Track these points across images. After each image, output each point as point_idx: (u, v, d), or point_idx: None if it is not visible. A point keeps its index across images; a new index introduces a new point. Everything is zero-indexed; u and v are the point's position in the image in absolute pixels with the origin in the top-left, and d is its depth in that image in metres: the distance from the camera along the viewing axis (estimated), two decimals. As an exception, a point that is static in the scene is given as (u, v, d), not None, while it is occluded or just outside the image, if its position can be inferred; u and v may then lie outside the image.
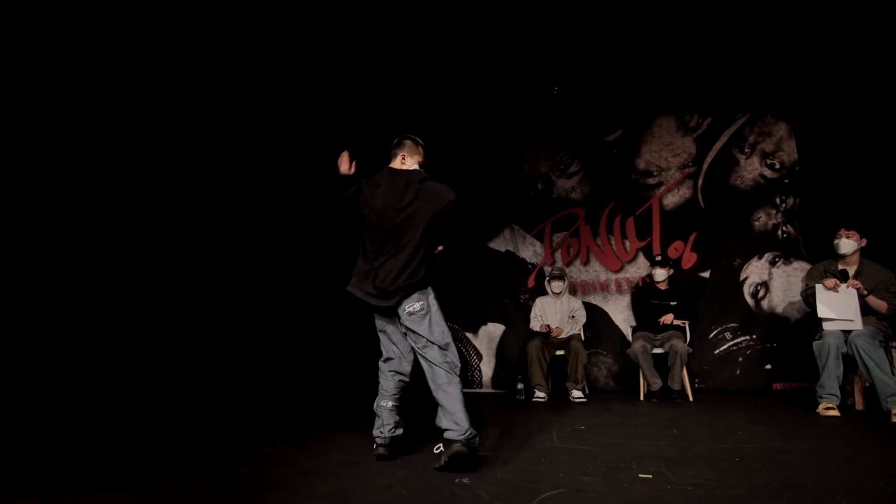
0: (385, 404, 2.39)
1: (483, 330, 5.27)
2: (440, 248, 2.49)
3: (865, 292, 3.22)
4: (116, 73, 3.55)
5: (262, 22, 3.73)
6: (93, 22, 3.24)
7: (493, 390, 5.07)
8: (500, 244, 5.39)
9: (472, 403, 4.22)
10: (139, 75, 3.66)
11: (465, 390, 5.32)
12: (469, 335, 5.30)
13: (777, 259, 4.43)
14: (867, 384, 3.15)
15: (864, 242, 3.35)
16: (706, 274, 4.61)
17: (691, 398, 3.96)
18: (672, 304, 4.25)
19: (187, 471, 2.21)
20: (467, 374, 5.19)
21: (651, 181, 4.92)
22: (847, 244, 3.33)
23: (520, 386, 4.45)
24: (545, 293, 4.72)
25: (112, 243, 3.56)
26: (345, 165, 2.46)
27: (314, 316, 4.93)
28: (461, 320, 5.31)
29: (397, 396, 2.43)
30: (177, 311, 3.89)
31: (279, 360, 4.63)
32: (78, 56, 3.32)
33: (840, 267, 3.37)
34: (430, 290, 2.34)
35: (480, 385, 5.17)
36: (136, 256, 3.69)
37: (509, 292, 5.26)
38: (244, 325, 4.37)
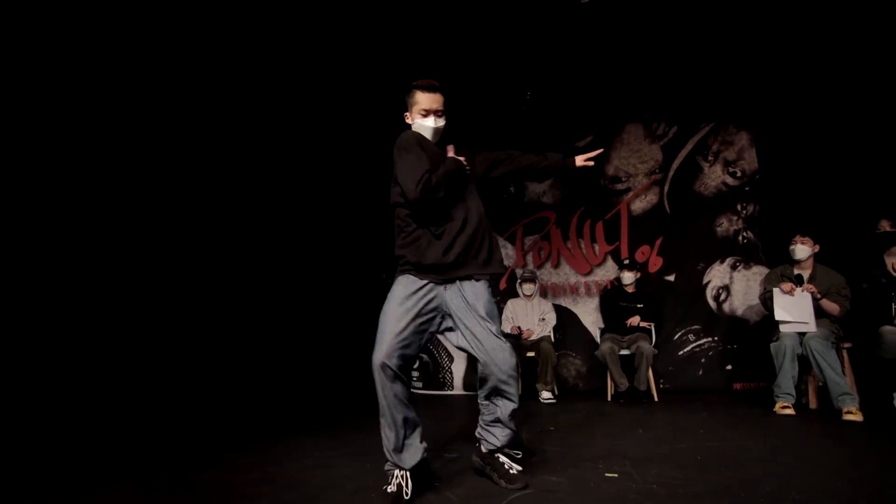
0: None
1: (455, 332, 5.27)
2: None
3: (819, 296, 3.38)
4: (116, 73, 3.51)
5: (244, 25, 3.69)
6: (93, 22, 3.18)
7: (464, 392, 5.07)
8: (472, 246, 5.41)
9: (444, 405, 4.24)
10: (139, 76, 3.63)
11: (436, 392, 5.34)
12: (440, 337, 5.28)
13: (738, 264, 4.60)
14: (820, 384, 3.29)
15: (817, 248, 3.51)
16: (671, 277, 4.74)
17: (657, 398, 4.06)
18: (639, 306, 4.35)
19: (148, 477, 2.13)
20: (438, 376, 5.18)
21: (620, 187, 5.04)
22: (802, 250, 3.48)
23: (490, 388, 4.47)
24: (517, 295, 4.77)
25: (96, 243, 3.44)
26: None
27: (284, 319, 4.84)
28: (433, 322, 5.29)
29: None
30: (149, 312, 3.77)
31: (246, 364, 4.52)
32: (78, 56, 3.26)
33: (795, 272, 3.52)
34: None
35: (452, 387, 5.17)
36: (115, 258, 3.57)
37: (481, 294, 5.28)
38: (214, 328, 4.25)
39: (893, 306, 3.28)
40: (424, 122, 2.00)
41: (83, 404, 3.32)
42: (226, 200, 4.42)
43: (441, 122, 2.03)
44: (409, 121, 2.07)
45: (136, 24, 3.32)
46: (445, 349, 5.25)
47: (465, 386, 5.09)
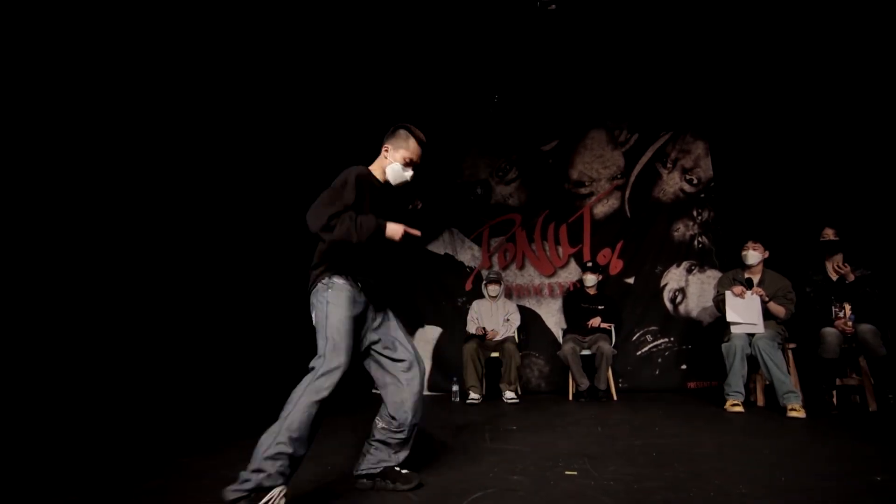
0: None
1: (420, 332, 5.26)
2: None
3: (767, 299, 3.55)
4: (116, 73, 3.43)
5: (234, 28, 3.65)
6: (93, 22, 3.12)
7: (429, 392, 5.06)
8: (438, 247, 5.41)
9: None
10: (139, 76, 3.56)
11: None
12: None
13: (693, 267, 4.78)
14: (767, 382, 3.46)
15: (767, 254, 3.69)
16: (631, 280, 4.88)
17: (615, 397, 4.16)
18: (600, 308, 4.46)
19: (91, 487, 2.01)
20: (403, 378, 5.15)
21: (583, 191, 5.15)
22: (753, 255, 3.65)
23: (455, 388, 4.48)
24: (482, 296, 4.80)
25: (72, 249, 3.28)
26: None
27: (233, 324, 4.70)
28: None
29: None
30: (103, 316, 3.59)
31: (205, 367, 4.35)
32: (78, 56, 3.18)
33: (746, 276, 3.69)
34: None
35: (416, 388, 5.15)
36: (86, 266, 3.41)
37: (447, 295, 5.29)
38: (166, 333, 4.07)
39: (833, 309, 3.47)
40: (404, 171, 2.01)
41: (32, 409, 3.11)
42: (212, 205, 4.32)
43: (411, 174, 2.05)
44: (385, 155, 2.03)
45: (136, 24, 3.30)
46: (410, 350, 5.23)
47: (430, 386, 5.08)
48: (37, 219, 3.18)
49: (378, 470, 1.91)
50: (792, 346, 3.62)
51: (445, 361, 5.09)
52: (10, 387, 3.05)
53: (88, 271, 3.56)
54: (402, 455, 1.93)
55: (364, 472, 1.92)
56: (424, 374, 2.02)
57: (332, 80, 4.53)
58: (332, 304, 1.81)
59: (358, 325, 1.88)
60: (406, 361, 1.95)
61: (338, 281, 1.85)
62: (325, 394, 1.70)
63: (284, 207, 5.03)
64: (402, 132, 2.03)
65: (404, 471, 1.92)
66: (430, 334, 5.24)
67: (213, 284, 4.53)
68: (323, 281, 1.86)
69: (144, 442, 2.87)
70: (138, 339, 3.84)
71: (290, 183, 5.06)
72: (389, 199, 2.03)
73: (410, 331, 5.26)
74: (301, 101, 4.73)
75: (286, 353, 4.87)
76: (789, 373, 3.39)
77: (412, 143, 2.02)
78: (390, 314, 2.06)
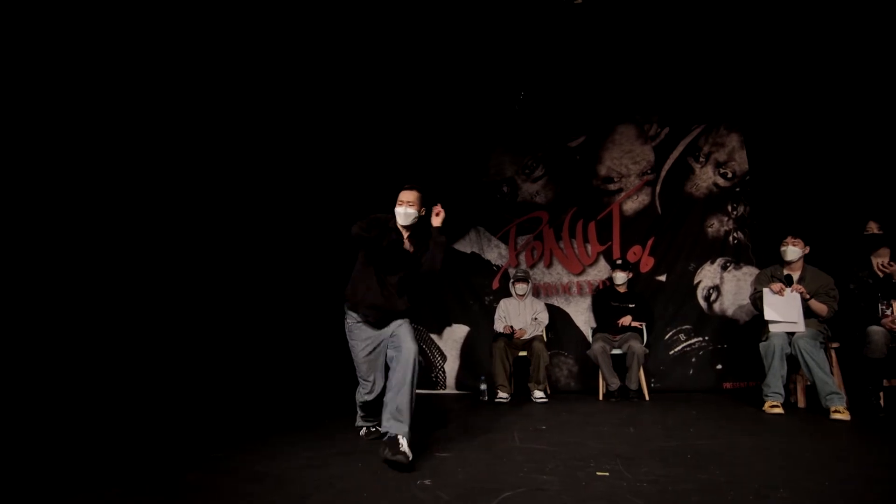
0: None
1: (447, 331, 5.27)
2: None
3: (808, 296, 3.41)
4: (116, 73, 3.48)
5: (243, 27, 3.69)
6: (93, 22, 3.16)
7: (457, 391, 5.07)
8: (465, 246, 5.41)
9: (436, 404, 4.23)
10: (139, 75, 3.60)
11: (428, 391, 5.33)
12: (433, 336, 5.29)
13: (728, 264, 4.64)
14: (808, 383, 3.33)
15: (807, 250, 3.55)
16: (662, 278, 4.77)
17: (647, 397, 4.08)
18: (630, 306, 4.37)
19: (133, 479, 2.10)
20: (431, 375, 5.18)
21: (612, 187, 5.06)
22: (793, 251, 3.51)
23: (483, 387, 4.47)
24: (509, 295, 4.77)
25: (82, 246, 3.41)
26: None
27: (269, 320, 4.81)
28: (426, 321, 5.29)
29: None
30: (140, 313, 3.73)
31: (235, 364, 4.49)
32: (78, 56, 3.23)
33: (785, 272, 3.56)
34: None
35: (444, 386, 5.17)
36: (103, 261, 3.54)
37: (474, 294, 5.28)
38: (201, 329, 4.21)
39: (880, 307, 3.31)
40: (396, 209, 2.65)
41: (68, 407, 3.27)
42: (218, 202, 4.39)
43: (408, 210, 2.62)
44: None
45: (136, 24, 3.32)
46: (438, 348, 5.25)
47: (458, 385, 5.09)
48: (61, 222, 3.28)
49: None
50: (835, 345, 3.47)
51: (473, 360, 5.09)
52: (51, 384, 3.22)
53: (125, 273, 3.71)
54: (387, 425, 2.30)
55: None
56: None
57: (355, 79, 4.55)
58: None
59: None
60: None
61: None
62: None
63: (311, 205, 5.13)
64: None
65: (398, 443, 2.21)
66: (457, 333, 5.25)
67: (244, 284, 4.66)
68: None
69: (179, 438, 2.97)
70: (172, 339, 3.99)
71: (313, 181, 5.16)
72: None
73: (437, 329, 5.29)
74: (323, 101, 4.74)
75: (314, 352, 4.97)
76: (832, 373, 3.25)
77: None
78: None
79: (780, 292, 3.44)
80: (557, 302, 5.03)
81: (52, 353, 3.23)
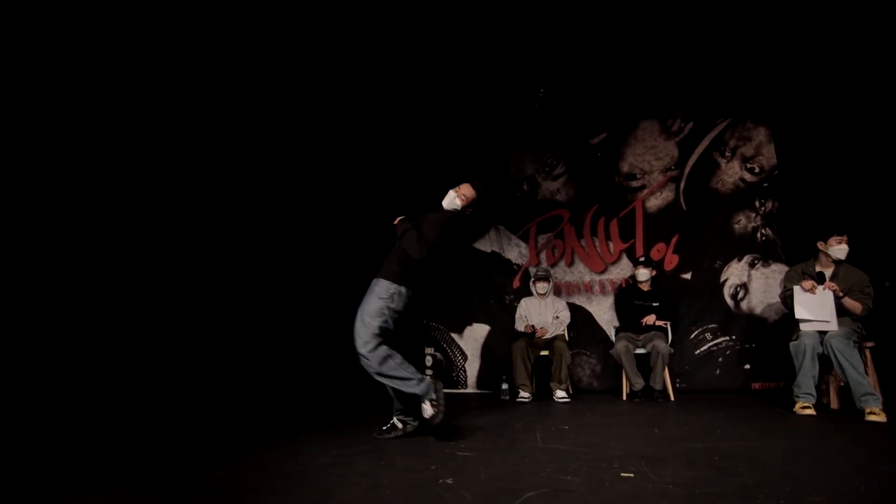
0: None
1: (468, 330, 5.28)
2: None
3: (841, 294, 3.30)
4: (116, 72, 3.51)
5: (257, 24, 3.72)
6: (93, 22, 3.21)
7: (478, 390, 5.08)
8: (485, 245, 5.41)
9: (457, 403, 4.24)
10: (139, 75, 3.64)
11: (449, 390, 5.35)
12: (454, 335, 5.30)
13: (756, 261, 4.52)
14: (842, 384, 3.22)
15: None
16: (687, 276, 4.68)
17: (672, 398, 4.01)
18: (654, 305, 4.30)
19: (163, 474, 2.17)
20: (452, 375, 5.19)
21: (634, 184, 4.99)
22: (843, 250, 3.37)
23: (504, 386, 4.47)
24: (530, 294, 4.75)
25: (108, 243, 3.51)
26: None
27: (297, 318, 4.88)
28: (446, 321, 5.31)
29: None
30: (162, 312, 3.83)
31: (262, 361, 4.57)
32: (78, 56, 3.28)
33: (817, 269, 3.45)
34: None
35: (465, 385, 5.17)
36: (121, 258, 3.63)
37: (494, 293, 5.27)
38: (228, 327, 4.30)
39: (919, 305, 3.19)
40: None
41: (97, 404, 3.38)
42: (233, 200, 4.45)
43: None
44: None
45: (136, 24, 3.35)
46: (459, 348, 5.26)
47: (479, 384, 5.09)
48: (72, 223, 3.32)
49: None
50: (870, 344, 3.35)
51: (494, 359, 5.08)
52: (80, 381, 3.33)
53: (152, 272, 3.81)
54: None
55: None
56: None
57: (376, 79, 4.57)
58: None
59: None
60: None
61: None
62: None
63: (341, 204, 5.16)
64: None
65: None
66: (478, 332, 5.25)
67: (272, 283, 4.74)
68: None
69: (208, 435, 3.05)
70: (202, 338, 4.08)
71: (334, 180, 5.20)
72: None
73: (458, 329, 5.29)
74: (340, 101, 4.76)
75: (337, 351, 5.03)
76: (867, 373, 3.14)
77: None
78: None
79: (811, 290, 3.33)
80: (579, 301, 4.98)
81: (80, 354, 3.34)
